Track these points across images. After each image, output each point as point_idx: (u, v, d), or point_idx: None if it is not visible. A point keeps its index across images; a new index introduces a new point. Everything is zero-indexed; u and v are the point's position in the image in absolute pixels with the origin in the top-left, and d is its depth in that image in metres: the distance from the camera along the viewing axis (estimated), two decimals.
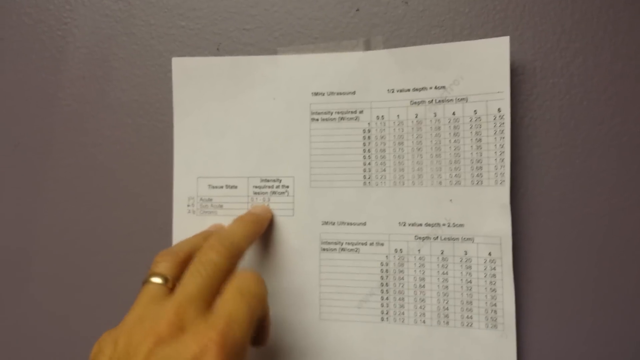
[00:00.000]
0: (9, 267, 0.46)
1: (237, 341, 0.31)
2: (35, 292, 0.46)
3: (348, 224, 0.41)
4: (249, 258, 0.42)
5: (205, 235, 0.38)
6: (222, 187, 0.43)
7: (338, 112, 0.42)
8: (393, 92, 0.41)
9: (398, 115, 0.41)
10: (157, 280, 0.34)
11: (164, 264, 0.35)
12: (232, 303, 0.32)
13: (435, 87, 0.40)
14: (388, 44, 0.42)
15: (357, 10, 0.42)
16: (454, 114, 0.40)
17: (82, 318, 0.45)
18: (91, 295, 0.45)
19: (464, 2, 0.41)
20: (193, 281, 0.32)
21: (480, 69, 0.39)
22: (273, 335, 0.41)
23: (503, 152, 0.38)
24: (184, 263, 0.35)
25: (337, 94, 0.42)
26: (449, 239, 0.40)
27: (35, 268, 0.46)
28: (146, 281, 0.34)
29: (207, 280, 0.32)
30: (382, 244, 0.41)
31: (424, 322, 0.40)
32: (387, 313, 0.40)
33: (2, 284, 0.46)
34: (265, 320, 0.35)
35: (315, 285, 0.41)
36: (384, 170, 0.41)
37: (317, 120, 0.42)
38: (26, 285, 0.46)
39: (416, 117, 0.40)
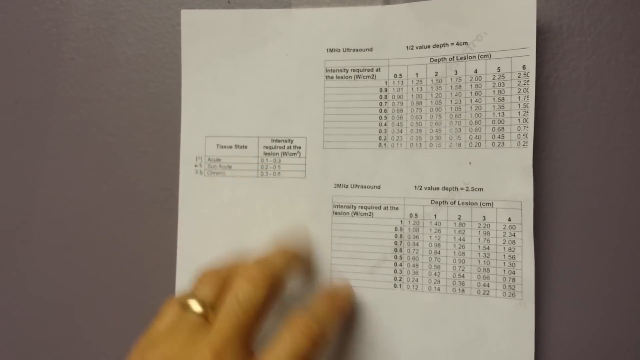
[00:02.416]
0: (9, 222, 0.45)
1: None
2: (35, 253, 0.45)
3: (362, 187, 0.40)
4: (259, 222, 0.41)
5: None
6: (231, 146, 0.42)
7: (354, 70, 0.40)
8: (412, 48, 0.39)
9: (417, 74, 0.39)
10: (197, 308, 0.32)
11: (206, 290, 0.34)
12: None
13: (457, 44, 0.38)
14: None
15: None
16: (476, 71, 0.38)
17: (82, 280, 0.44)
18: (93, 257, 0.44)
19: None
20: (229, 321, 0.31)
21: (505, 24, 0.37)
22: (282, 300, 0.40)
23: (527, 112, 0.37)
24: (227, 286, 0.34)
25: (354, 50, 0.40)
26: (467, 203, 0.38)
27: (36, 228, 0.45)
28: (185, 303, 0.33)
29: (243, 320, 0.31)
30: (397, 208, 0.39)
31: (438, 289, 0.38)
32: (400, 279, 0.39)
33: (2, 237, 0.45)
34: None
35: (326, 250, 0.40)
36: (401, 131, 0.40)
37: (332, 78, 0.41)
38: (24, 244, 0.45)
39: (436, 75, 0.39)
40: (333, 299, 0.37)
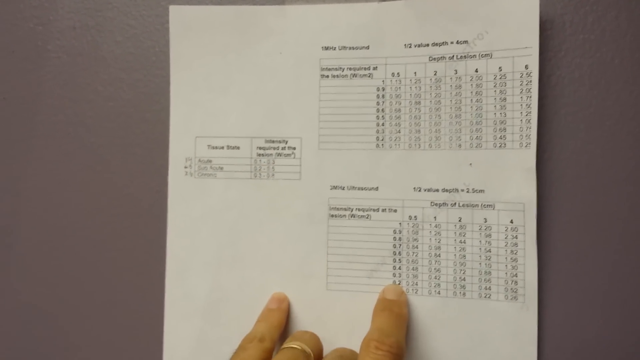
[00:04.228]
0: None
1: None
2: (21, 257, 0.43)
3: (359, 188, 0.39)
4: (252, 225, 0.40)
5: None
6: (222, 147, 0.41)
7: (350, 68, 0.39)
8: (410, 47, 0.38)
9: (415, 73, 0.38)
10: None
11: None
12: None
13: (457, 42, 0.37)
14: None
15: None
16: (476, 71, 0.37)
17: (69, 283, 0.43)
18: (79, 261, 0.43)
19: None
20: None
21: (507, 22, 0.36)
22: None
23: (530, 112, 0.36)
24: None
25: (350, 48, 0.39)
26: (467, 205, 0.37)
27: (21, 231, 0.43)
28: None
29: None
30: (395, 211, 0.38)
31: (438, 293, 0.38)
32: (399, 283, 0.38)
33: None
34: None
35: (322, 253, 0.39)
36: (399, 131, 0.39)
37: (327, 76, 0.39)
38: (11, 250, 0.43)
39: (435, 74, 0.38)
40: (390, 309, 0.37)
